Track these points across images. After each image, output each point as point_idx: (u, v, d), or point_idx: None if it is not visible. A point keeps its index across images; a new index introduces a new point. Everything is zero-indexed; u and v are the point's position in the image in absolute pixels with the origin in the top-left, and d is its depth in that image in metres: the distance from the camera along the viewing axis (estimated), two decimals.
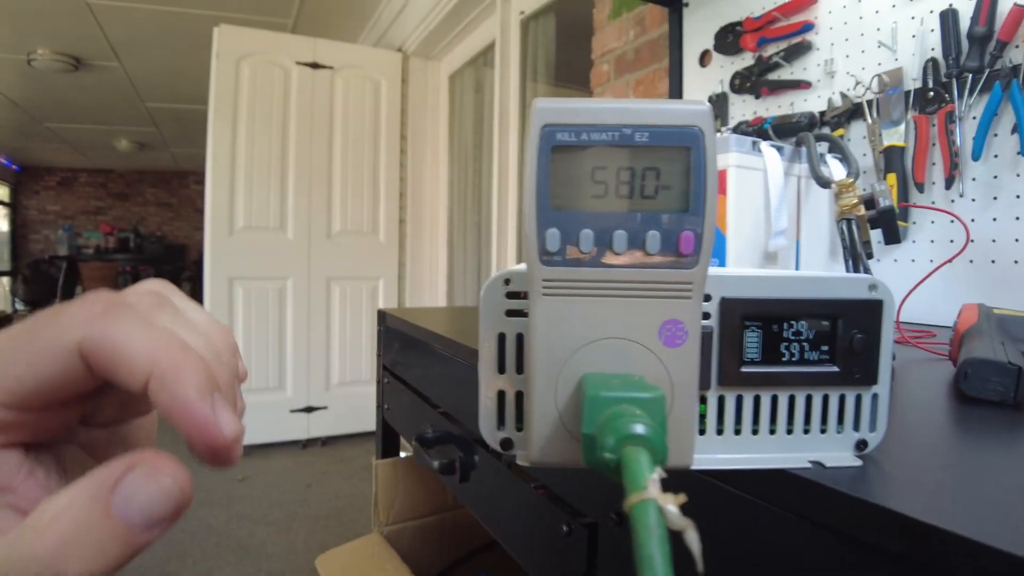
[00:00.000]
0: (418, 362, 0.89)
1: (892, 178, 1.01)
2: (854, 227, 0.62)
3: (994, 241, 0.90)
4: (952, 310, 0.93)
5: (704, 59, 1.39)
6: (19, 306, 7.49)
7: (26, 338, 0.18)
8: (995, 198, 0.90)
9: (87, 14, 3.15)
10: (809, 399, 0.34)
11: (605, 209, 0.26)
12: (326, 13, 3.23)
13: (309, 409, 3.02)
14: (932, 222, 0.97)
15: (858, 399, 0.34)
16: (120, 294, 0.21)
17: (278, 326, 2.95)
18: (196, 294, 5.97)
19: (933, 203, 0.97)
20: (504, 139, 2.57)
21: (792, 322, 0.33)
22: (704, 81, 1.39)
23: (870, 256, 0.64)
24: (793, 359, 0.33)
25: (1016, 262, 0.88)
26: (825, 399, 0.34)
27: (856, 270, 0.59)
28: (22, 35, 3.47)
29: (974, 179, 0.92)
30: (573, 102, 0.26)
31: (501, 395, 0.33)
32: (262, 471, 2.73)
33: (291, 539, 2.11)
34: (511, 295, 0.32)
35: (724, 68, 1.33)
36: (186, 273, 7.63)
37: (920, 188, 0.98)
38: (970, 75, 0.92)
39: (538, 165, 0.26)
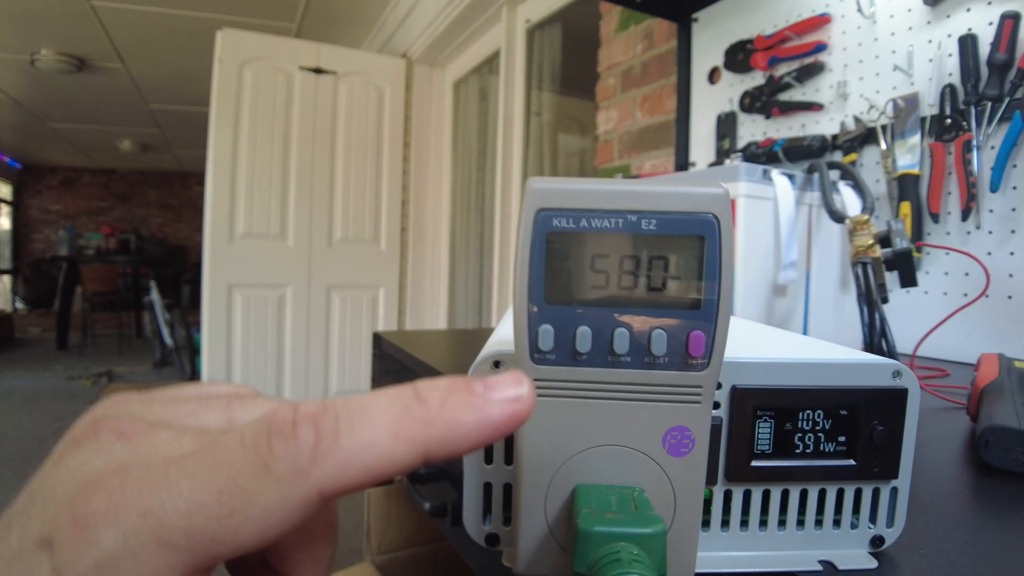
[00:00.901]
0: None
1: (906, 206, 0.98)
2: (869, 271, 0.59)
3: (1011, 276, 0.87)
4: (965, 346, 0.90)
5: (713, 76, 1.36)
6: (19, 305, 7.48)
7: (238, 498, 0.15)
8: (1013, 232, 0.87)
9: (91, 16, 3.13)
10: (823, 493, 0.31)
11: (606, 303, 0.23)
12: (331, 18, 3.21)
13: None
14: (946, 254, 0.94)
15: (875, 493, 0.31)
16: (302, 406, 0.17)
17: (277, 334, 2.93)
18: (196, 298, 5.95)
19: (948, 234, 0.94)
20: (508, 148, 2.55)
21: (808, 412, 0.30)
22: (713, 99, 1.36)
23: (885, 300, 0.61)
24: (807, 451, 0.30)
25: None
26: (840, 493, 0.31)
27: (871, 318, 0.56)
28: (25, 35, 3.45)
29: (991, 211, 0.89)
30: (571, 183, 0.23)
31: (487, 487, 0.30)
32: None
33: None
34: None
35: (734, 86, 1.30)
36: (186, 276, 7.60)
37: (935, 219, 0.94)
38: (989, 103, 0.89)
39: (531, 254, 0.23)
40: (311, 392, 3.01)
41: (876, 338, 0.55)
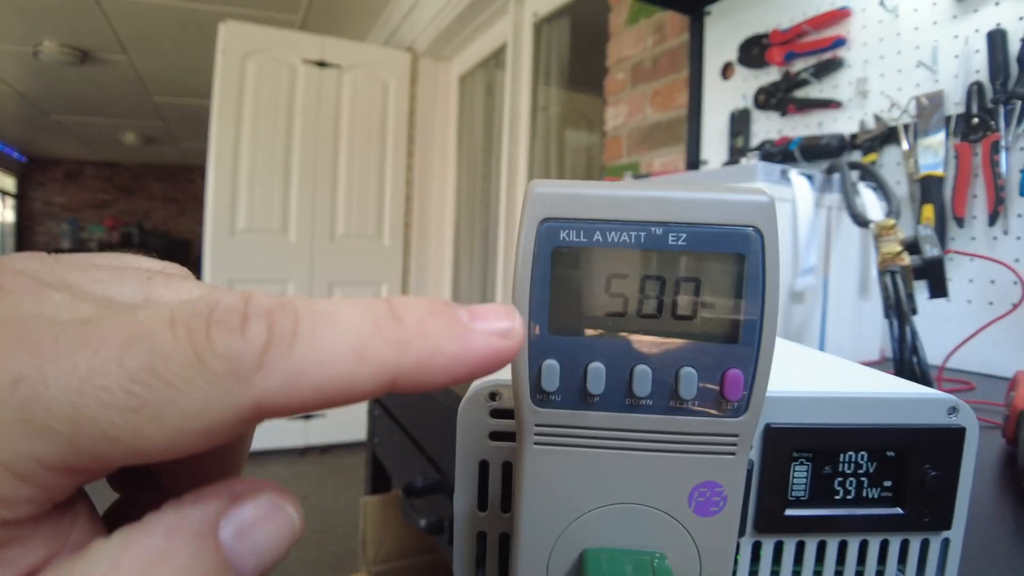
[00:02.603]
0: (410, 402, 0.82)
1: (929, 210, 0.93)
2: (899, 280, 0.55)
3: None
4: (992, 357, 0.86)
5: (726, 72, 1.32)
6: None
7: (161, 395, 0.12)
8: None
9: (93, 7, 3.10)
10: (864, 545, 0.27)
11: (623, 333, 0.19)
12: (335, 10, 3.17)
13: (307, 416, 2.96)
14: (971, 260, 0.90)
15: (924, 545, 0.27)
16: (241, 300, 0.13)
17: None
18: None
19: (973, 239, 0.89)
20: (514, 144, 2.51)
21: (851, 453, 0.26)
22: (726, 95, 1.31)
23: (914, 312, 0.57)
24: (848, 498, 0.26)
25: None
26: (884, 545, 0.27)
27: (902, 331, 0.52)
28: (28, 27, 3.42)
29: (1020, 216, 0.85)
30: (582, 187, 0.19)
31: (481, 535, 0.26)
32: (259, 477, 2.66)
33: None
34: (497, 413, 0.25)
35: (748, 82, 1.26)
36: (190, 270, 7.56)
37: (960, 223, 0.90)
38: (1019, 102, 0.85)
39: (533, 273, 0.19)
40: None
41: (907, 353, 0.51)
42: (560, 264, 0.19)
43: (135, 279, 0.16)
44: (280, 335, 0.12)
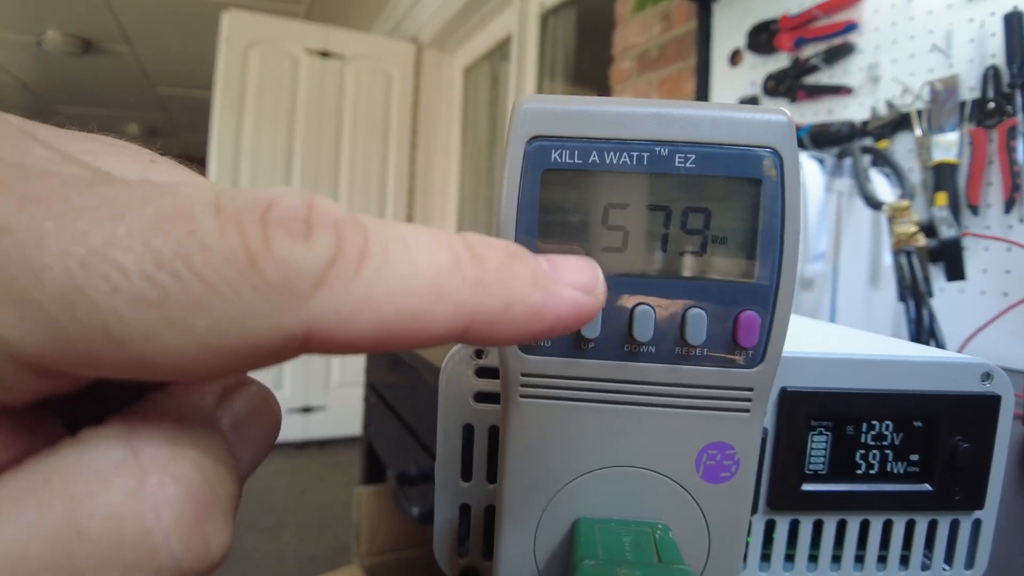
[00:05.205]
0: (405, 388, 0.80)
1: (942, 197, 0.90)
2: (915, 261, 0.52)
3: None
4: (1008, 348, 0.83)
5: (735, 59, 1.29)
6: None
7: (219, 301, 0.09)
8: None
9: None
10: (888, 525, 0.25)
11: (622, 271, 0.17)
12: (340, 0, 3.15)
13: (307, 409, 2.94)
14: (985, 249, 0.87)
15: (953, 526, 0.25)
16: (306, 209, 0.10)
17: None
18: None
19: (988, 228, 0.87)
20: None
21: (874, 423, 0.24)
22: (734, 82, 1.29)
23: (930, 295, 0.54)
24: (871, 472, 0.24)
25: None
26: (910, 525, 0.25)
27: (919, 313, 0.49)
28: (31, 16, 3.41)
29: None
30: (577, 102, 0.16)
31: (465, 508, 0.23)
32: (255, 473, 2.64)
33: (280, 548, 2.03)
34: (484, 372, 0.23)
35: (756, 69, 1.23)
36: None
37: (975, 211, 0.87)
38: None
39: (520, 201, 0.16)
40: (312, 387, 2.96)
41: (924, 336, 0.48)
42: (551, 189, 0.16)
43: (135, 159, 0.14)
44: (348, 252, 0.10)
